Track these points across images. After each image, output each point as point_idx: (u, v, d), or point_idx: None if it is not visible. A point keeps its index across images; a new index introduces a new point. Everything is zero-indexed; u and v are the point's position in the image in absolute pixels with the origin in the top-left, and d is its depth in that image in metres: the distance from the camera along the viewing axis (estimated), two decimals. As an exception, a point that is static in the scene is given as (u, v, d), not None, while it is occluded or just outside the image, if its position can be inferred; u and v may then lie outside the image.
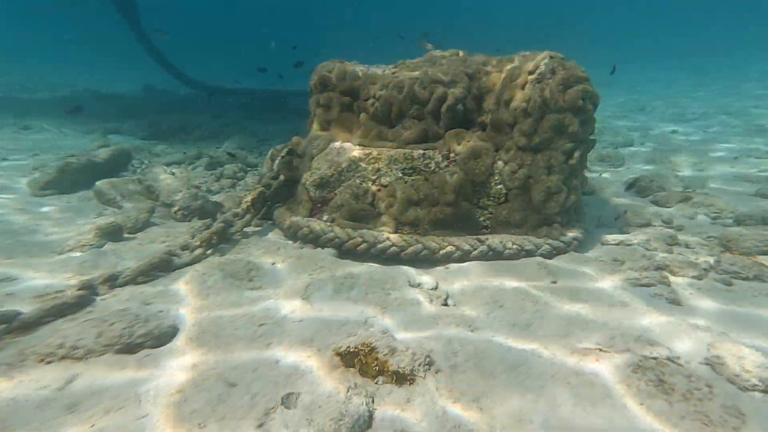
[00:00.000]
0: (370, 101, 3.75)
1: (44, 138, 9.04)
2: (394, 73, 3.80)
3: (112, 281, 2.47)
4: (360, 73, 3.85)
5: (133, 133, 9.49)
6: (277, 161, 4.35)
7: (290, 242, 3.57)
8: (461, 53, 4.27)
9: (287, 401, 1.43)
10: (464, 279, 2.89)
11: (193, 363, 1.78)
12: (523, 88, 3.12)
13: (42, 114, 10.47)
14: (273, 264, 3.01)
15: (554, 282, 2.74)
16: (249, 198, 3.80)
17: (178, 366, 1.76)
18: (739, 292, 2.57)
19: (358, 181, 3.51)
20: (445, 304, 2.64)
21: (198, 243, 3.04)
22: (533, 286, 2.63)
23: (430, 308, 2.43)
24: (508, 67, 3.49)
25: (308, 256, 3.11)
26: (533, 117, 3.03)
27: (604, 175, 6.60)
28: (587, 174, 6.77)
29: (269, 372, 1.70)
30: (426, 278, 2.97)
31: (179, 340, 1.95)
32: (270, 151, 5.06)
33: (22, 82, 15.95)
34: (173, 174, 5.32)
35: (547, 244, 3.20)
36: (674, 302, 2.44)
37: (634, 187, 5.74)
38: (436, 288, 2.91)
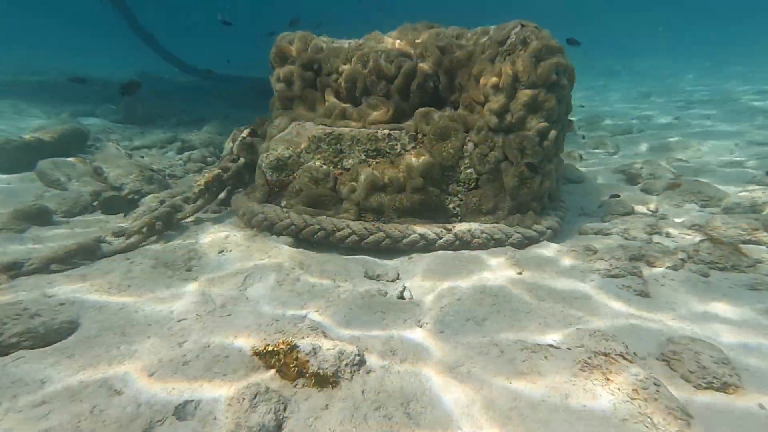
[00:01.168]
0: (333, 76, 3.58)
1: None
2: (360, 45, 3.61)
3: (16, 269, 2.32)
4: (323, 45, 3.66)
5: (106, 117, 9.22)
6: (236, 142, 4.19)
7: (247, 230, 3.43)
8: (435, 26, 4.08)
9: (181, 412, 1.32)
10: (426, 270, 2.79)
11: (74, 366, 1.61)
12: (493, 61, 2.97)
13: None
14: (221, 253, 2.89)
15: (519, 273, 2.65)
16: (202, 181, 3.65)
17: (49, 373, 1.56)
18: (714, 284, 2.50)
19: (318, 163, 3.37)
20: (401, 297, 2.54)
21: (135, 229, 2.90)
22: (496, 278, 2.54)
23: (381, 301, 2.33)
24: (483, 39, 3.33)
25: (260, 244, 2.99)
26: (504, 93, 2.88)
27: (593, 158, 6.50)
28: (578, 162, 6.69)
29: (179, 374, 1.59)
30: (385, 269, 2.87)
31: (72, 338, 1.81)
32: (233, 132, 4.89)
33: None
34: (129, 155, 5.14)
35: (519, 233, 3.10)
36: (643, 294, 2.36)
37: (623, 174, 5.66)
38: (395, 279, 2.81)
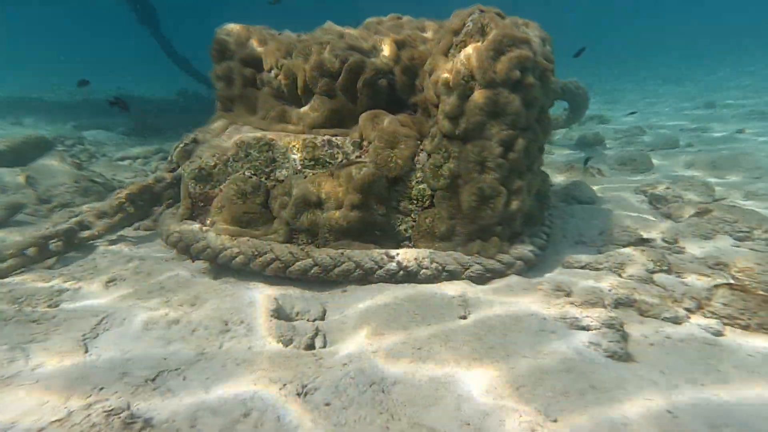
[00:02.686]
0: (274, 72, 3.28)
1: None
2: (302, 39, 3.31)
3: None
4: (266, 37, 3.37)
5: (114, 129, 9.57)
6: (176, 149, 3.92)
7: (173, 252, 3.12)
8: (405, 18, 3.74)
9: None
10: (353, 308, 2.38)
11: None
12: (446, 54, 2.58)
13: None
14: (108, 284, 2.56)
15: (463, 317, 2.19)
16: (123, 193, 3.39)
17: None
18: (722, 352, 1.96)
19: (248, 173, 3.03)
20: (311, 346, 2.14)
21: (10, 252, 2.62)
22: (429, 324, 2.10)
23: (272, 351, 1.93)
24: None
25: (157, 273, 2.66)
26: (457, 93, 2.48)
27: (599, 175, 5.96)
28: (594, 179, 6.14)
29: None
30: (308, 305, 2.47)
31: None
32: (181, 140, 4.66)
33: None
34: (79, 165, 4.98)
35: (478, 264, 2.65)
36: (617, 357, 1.86)
37: (645, 195, 5.09)
38: (316, 319, 2.41)
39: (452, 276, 2.68)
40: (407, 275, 2.69)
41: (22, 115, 11.23)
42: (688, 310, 2.31)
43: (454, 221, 2.79)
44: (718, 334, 2.14)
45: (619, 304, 2.34)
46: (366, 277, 2.71)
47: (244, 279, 2.81)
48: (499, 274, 2.70)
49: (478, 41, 2.49)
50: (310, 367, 1.88)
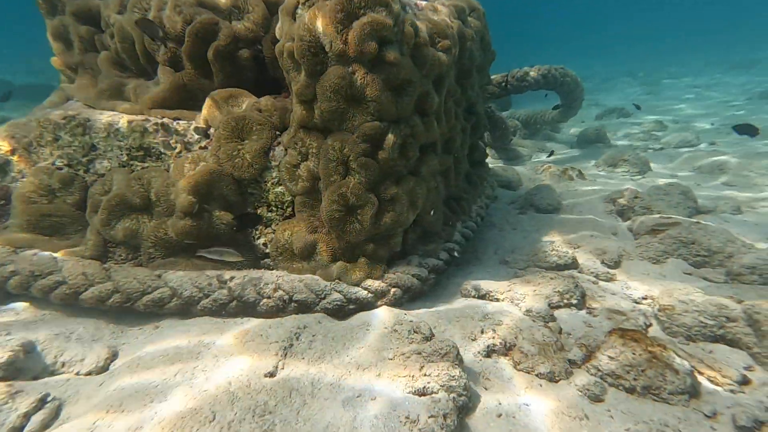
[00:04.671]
0: (109, 31, 2.75)
1: None
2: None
3: None
4: (105, -13, 2.84)
5: None
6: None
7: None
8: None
9: None
10: (146, 353, 1.91)
11: None
12: (293, 15, 2.09)
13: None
14: None
15: (270, 375, 1.74)
16: None
17: None
18: (601, 419, 1.55)
19: (59, 163, 2.52)
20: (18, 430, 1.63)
21: None
22: (228, 381, 1.64)
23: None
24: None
25: None
26: (305, 69, 2.01)
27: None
28: (572, 182, 5.75)
29: None
30: (84, 351, 1.98)
31: None
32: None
33: None
34: None
35: (339, 292, 2.20)
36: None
37: (613, 204, 4.74)
38: (91, 372, 1.94)
39: (303, 307, 2.24)
40: (243, 306, 2.23)
41: None
42: (571, 362, 1.90)
43: (315, 236, 2.33)
44: (596, 399, 1.73)
45: (491, 351, 1.93)
46: (187, 308, 2.24)
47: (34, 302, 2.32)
48: (365, 306, 2.26)
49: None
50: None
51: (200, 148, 2.50)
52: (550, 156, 6.11)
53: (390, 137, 2.10)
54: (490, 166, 5.97)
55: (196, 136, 2.52)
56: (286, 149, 2.34)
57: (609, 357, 1.81)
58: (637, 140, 8.76)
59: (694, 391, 1.72)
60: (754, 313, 2.02)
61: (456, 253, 2.84)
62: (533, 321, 2.15)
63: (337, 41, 1.93)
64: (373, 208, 2.19)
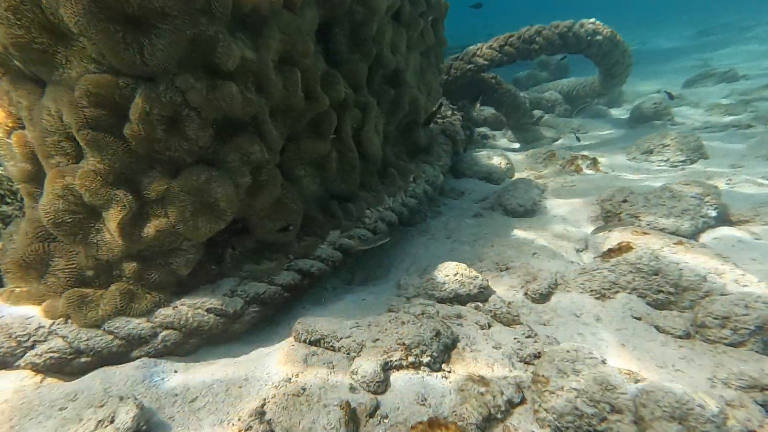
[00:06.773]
0: None
1: None
2: None
3: None
4: None
5: None
6: None
7: None
8: None
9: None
10: None
11: None
12: None
13: None
14: None
15: None
16: None
17: None
18: None
19: None
20: None
21: None
22: None
23: None
24: None
25: None
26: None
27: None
28: (580, 175, 4.72)
29: None
30: None
31: None
32: None
33: None
34: None
35: (62, 338, 1.53)
36: None
37: (603, 209, 3.74)
38: None
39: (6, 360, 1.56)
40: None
41: None
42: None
43: (53, 245, 1.64)
44: None
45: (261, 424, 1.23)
46: None
47: None
48: (108, 360, 1.56)
49: None
50: None
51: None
52: (577, 139, 4.93)
53: (138, 102, 1.37)
54: (484, 152, 4.94)
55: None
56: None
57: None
58: (720, 114, 7.07)
59: None
60: (641, 406, 1.23)
61: (315, 271, 2.11)
62: (312, 399, 1.41)
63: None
64: (125, 212, 1.48)
